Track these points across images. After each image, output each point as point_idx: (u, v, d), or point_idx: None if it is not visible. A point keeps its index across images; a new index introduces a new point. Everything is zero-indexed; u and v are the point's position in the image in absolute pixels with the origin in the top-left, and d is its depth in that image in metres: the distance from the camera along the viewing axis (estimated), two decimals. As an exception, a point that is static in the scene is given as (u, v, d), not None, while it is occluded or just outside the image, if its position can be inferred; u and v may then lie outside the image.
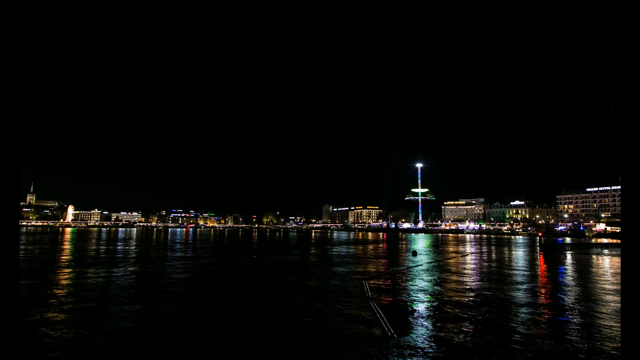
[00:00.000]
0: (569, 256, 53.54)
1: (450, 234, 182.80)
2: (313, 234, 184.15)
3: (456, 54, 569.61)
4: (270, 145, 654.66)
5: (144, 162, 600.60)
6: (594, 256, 54.10)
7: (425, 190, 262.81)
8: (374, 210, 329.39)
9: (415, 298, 21.75)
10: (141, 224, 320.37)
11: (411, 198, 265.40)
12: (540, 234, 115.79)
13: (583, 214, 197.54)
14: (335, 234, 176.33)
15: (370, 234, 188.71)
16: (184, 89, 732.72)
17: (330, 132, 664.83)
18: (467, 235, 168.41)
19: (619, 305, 19.50)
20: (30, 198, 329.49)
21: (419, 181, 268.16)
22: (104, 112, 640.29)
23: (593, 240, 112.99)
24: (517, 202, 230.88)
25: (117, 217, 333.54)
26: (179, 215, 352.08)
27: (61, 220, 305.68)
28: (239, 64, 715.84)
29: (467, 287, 26.12)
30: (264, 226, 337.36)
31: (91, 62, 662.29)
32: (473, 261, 45.81)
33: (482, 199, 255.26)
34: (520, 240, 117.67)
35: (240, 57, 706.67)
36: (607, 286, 27.02)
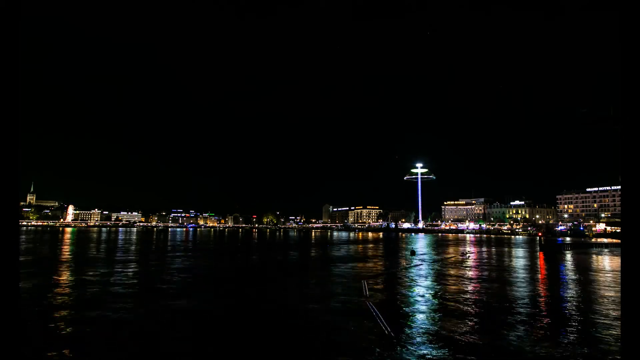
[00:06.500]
0: (568, 256, 53.53)
1: (450, 234, 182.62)
2: (313, 233, 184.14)
3: (456, 53, 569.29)
4: (270, 145, 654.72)
5: (144, 162, 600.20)
6: (593, 256, 54.09)
7: (425, 170, 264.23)
8: (374, 210, 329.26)
9: (413, 296, 21.75)
10: (141, 224, 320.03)
11: (410, 178, 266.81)
12: (540, 234, 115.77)
13: (583, 214, 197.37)
14: (335, 234, 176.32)
15: (370, 233, 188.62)
16: (183, 89, 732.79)
17: (330, 132, 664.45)
18: (467, 235, 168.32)
19: (619, 305, 19.49)
20: (30, 198, 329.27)
21: (419, 181, 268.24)
22: (104, 113, 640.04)
23: (593, 240, 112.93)
24: (517, 202, 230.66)
25: (117, 217, 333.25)
26: (179, 215, 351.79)
27: (61, 220, 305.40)
28: (239, 65, 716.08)
29: (466, 286, 26.11)
30: (264, 226, 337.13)
31: (91, 62, 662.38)
32: (472, 261, 45.79)
33: (482, 199, 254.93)
34: (520, 240, 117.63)
35: (242, 58, 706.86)
36: (606, 286, 27.01)
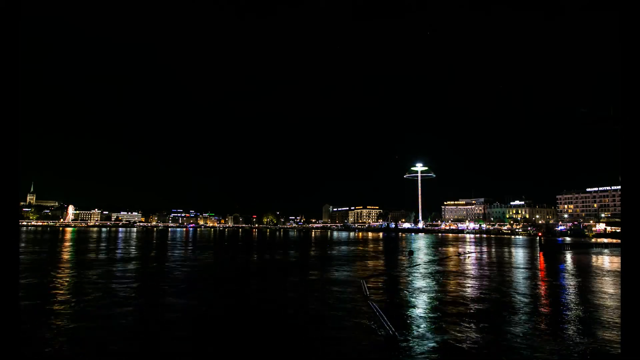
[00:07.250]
0: (568, 256, 53.52)
1: (450, 234, 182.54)
2: (313, 233, 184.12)
3: (456, 53, 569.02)
4: (270, 145, 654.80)
5: (144, 162, 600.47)
6: (593, 256, 54.09)
7: (425, 168, 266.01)
8: (374, 210, 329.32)
9: (413, 296, 21.74)
10: (141, 224, 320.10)
11: (410, 176, 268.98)
12: (540, 234, 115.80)
13: (583, 214, 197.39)
14: (335, 234, 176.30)
15: (370, 233, 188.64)
16: (183, 89, 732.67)
17: (330, 132, 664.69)
18: (467, 235, 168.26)
19: (619, 305, 19.48)
20: (30, 198, 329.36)
21: (419, 181, 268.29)
22: (104, 113, 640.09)
23: (593, 240, 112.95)
24: (517, 202, 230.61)
25: (117, 217, 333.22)
26: (179, 215, 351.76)
27: (61, 220, 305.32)
28: (239, 65, 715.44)
29: (465, 286, 26.11)
30: (264, 226, 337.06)
31: (91, 62, 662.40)
32: (472, 261, 45.79)
33: (482, 199, 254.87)
34: (520, 240, 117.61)
35: (242, 58, 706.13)
36: (606, 286, 27.01)
